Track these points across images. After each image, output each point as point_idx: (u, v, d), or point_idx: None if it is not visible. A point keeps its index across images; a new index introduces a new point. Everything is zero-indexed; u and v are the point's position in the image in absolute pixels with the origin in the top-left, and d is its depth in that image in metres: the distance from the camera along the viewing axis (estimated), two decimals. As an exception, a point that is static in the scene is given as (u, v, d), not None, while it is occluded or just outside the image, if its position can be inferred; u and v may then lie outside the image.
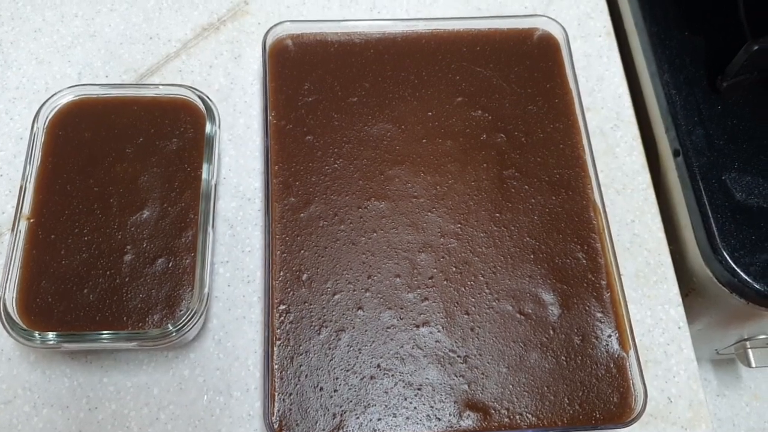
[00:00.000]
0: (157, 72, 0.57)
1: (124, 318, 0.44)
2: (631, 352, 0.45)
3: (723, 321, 0.54)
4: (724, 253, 0.48)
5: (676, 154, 0.53)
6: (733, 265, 0.48)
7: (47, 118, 0.49)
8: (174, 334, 0.43)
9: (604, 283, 0.47)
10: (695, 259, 0.51)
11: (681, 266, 0.53)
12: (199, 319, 0.44)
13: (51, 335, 0.42)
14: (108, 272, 0.45)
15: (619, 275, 0.47)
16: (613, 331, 0.46)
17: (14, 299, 0.43)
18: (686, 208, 0.52)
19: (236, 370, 0.47)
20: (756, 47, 0.50)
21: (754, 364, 0.59)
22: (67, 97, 0.49)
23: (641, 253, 0.52)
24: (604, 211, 0.49)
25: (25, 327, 0.42)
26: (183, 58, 0.58)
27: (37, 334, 0.42)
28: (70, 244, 0.45)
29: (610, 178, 0.55)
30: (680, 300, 0.51)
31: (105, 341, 0.43)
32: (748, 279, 0.48)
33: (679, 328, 0.50)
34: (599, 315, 0.46)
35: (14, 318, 0.42)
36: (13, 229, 0.45)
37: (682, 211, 0.52)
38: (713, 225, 0.49)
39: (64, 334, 0.43)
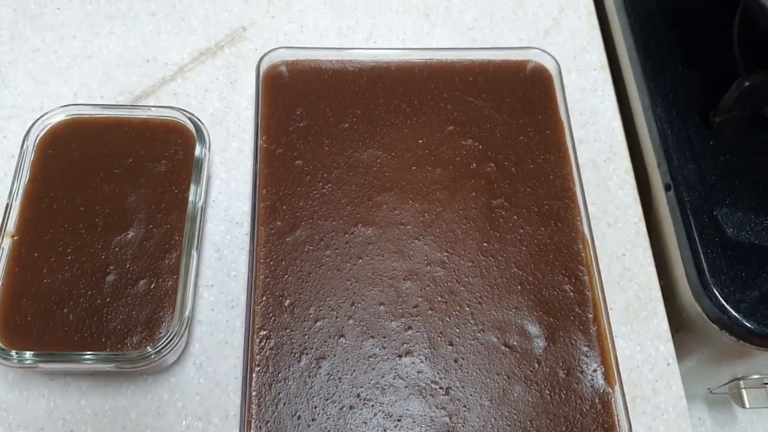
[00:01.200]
0: (152, 94, 0.57)
1: (103, 339, 0.43)
2: (617, 388, 0.44)
3: (714, 358, 0.53)
4: (714, 290, 0.48)
5: (667, 188, 0.53)
6: (723, 302, 0.47)
7: (38, 136, 0.49)
8: (153, 356, 0.43)
9: (591, 316, 0.46)
10: (685, 295, 0.50)
11: (671, 302, 0.52)
12: (178, 342, 0.44)
13: (28, 354, 0.42)
14: (89, 292, 0.44)
15: (607, 309, 0.46)
16: (598, 366, 0.45)
17: (-7, 317, 0.43)
18: (677, 243, 0.51)
19: (216, 396, 0.46)
20: (747, 83, 0.50)
21: (747, 405, 0.58)
22: (58, 117, 0.50)
23: (631, 287, 0.52)
24: (593, 244, 0.48)
25: (2, 346, 0.42)
26: (179, 81, 0.58)
27: (14, 353, 0.42)
28: (53, 263, 0.45)
29: (601, 211, 0.55)
30: (670, 336, 0.50)
31: (82, 362, 0.42)
32: (737, 316, 0.47)
33: (668, 364, 0.49)
34: (585, 349, 0.45)
35: (-8, 337, 0.42)
36: (-4, 247, 0.45)
37: (673, 245, 0.52)
38: (703, 261, 0.49)
39: (42, 354, 0.42)
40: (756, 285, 0.48)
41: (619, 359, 0.48)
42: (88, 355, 0.42)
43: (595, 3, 0.65)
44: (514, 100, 0.54)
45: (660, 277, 0.52)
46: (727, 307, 0.47)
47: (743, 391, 0.58)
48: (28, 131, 0.49)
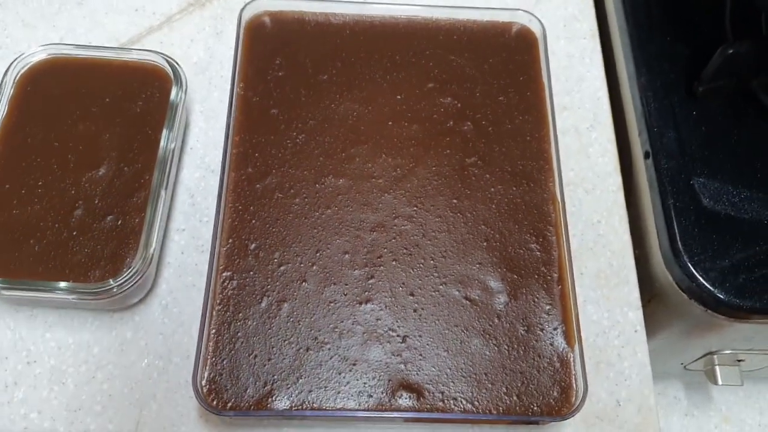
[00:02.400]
0: (137, 42, 0.58)
1: (67, 271, 0.44)
2: (576, 347, 0.44)
3: (685, 330, 0.52)
4: (685, 257, 0.47)
5: (646, 156, 0.52)
6: (693, 270, 0.47)
7: (18, 73, 0.49)
8: (114, 290, 0.43)
9: (555, 276, 0.46)
10: (657, 264, 0.50)
11: (644, 271, 0.51)
12: (141, 279, 0.44)
13: (-8, 281, 0.43)
14: (57, 225, 0.45)
15: (572, 270, 0.46)
16: (559, 324, 0.45)
17: (-41, 244, 0.44)
18: (652, 212, 0.51)
19: (179, 337, 0.47)
20: (731, 51, 0.49)
21: (720, 382, 0.58)
22: (39, 55, 0.50)
23: (604, 254, 0.51)
24: (563, 205, 0.48)
25: (-35, 272, 0.43)
26: (165, 31, 0.58)
27: (-23, 279, 0.43)
28: (23, 195, 0.46)
29: (580, 177, 0.54)
30: (639, 304, 0.50)
31: (45, 291, 0.43)
32: (706, 284, 0.46)
33: (636, 331, 0.49)
34: (547, 307, 0.45)
35: (-43, 262, 0.43)
36: (-32, 176, 0.45)
37: (649, 214, 0.51)
38: (676, 228, 0.48)
39: (6, 281, 0.43)
40: (727, 255, 0.47)
41: (585, 324, 0.48)
42: (51, 284, 0.43)
43: (590, -28, 0.64)
44: (497, 61, 0.54)
45: (635, 247, 0.52)
46: (697, 275, 0.47)
47: (716, 368, 0.58)
48: (8, 68, 0.49)
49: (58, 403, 0.45)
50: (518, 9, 0.55)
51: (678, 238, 0.48)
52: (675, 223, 0.48)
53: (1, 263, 0.44)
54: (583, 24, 0.61)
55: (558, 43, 0.60)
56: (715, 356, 0.57)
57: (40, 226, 0.45)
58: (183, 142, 0.53)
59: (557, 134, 0.51)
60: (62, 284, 0.43)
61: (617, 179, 0.54)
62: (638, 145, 0.53)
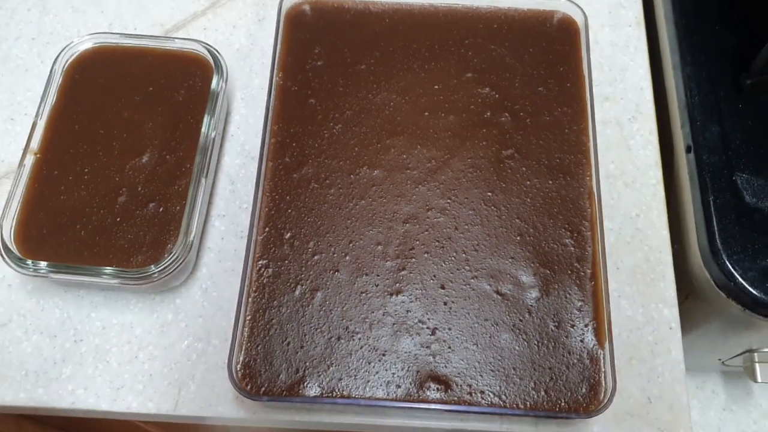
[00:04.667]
0: (182, 28, 0.59)
1: (111, 256, 0.45)
2: (607, 345, 0.44)
3: (722, 328, 0.52)
4: (723, 255, 0.46)
5: (688, 150, 0.51)
6: (731, 269, 0.46)
7: (66, 62, 0.51)
8: (156, 275, 0.45)
9: (589, 272, 0.46)
10: (695, 261, 0.49)
11: (682, 267, 0.51)
12: (181, 265, 0.45)
13: (42, 264, 0.45)
14: (101, 211, 0.47)
15: (605, 267, 0.46)
16: (590, 321, 0.44)
17: (12, 228, 0.46)
18: (692, 207, 0.50)
19: (218, 320, 0.48)
20: (781, 44, 0.47)
21: (759, 379, 0.57)
22: (86, 44, 0.51)
23: (641, 249, 0.51)
24: (599, 200, 0.48)
25: (19, 255, 0.45)
26: (209, 16, 0.59)
27: (29, 262, 0.45)
28: (70, 181, 0.47)
29: (620, 170, 0.53)
30: (676, 301, 0.49)
31: (90, 275, 0.45)
32: (745, 284, 0.46)
33: (671, 328, 0.49)
34: (579, 304, 0.45)
35: (9, 245, 0.45)
36: (20, 163, 0.47)
37: (689, 210, 0.50)
38: (715, 225, 0.47)
39: (54, 265, 0.45)
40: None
41: (619, 319, 0.48)
42: (95, 269, 0.45)
43: (639, -44, 0.62)
44: (537, 50, 0.53)
45: (673, 242, 0.51)
46: (735, 274, 0.46)
47: (756, 365, 0.57)
48: (57, 57, 0.51)
49: (101, 380, 0.47)
50: (560, -3, 0.54)
51: (717, 235, 0.47)
52: (714, 220, 0.48)
53: (49, 247, 0.45)
54: (628, 11, 0.60)
55: (602, 32, 0.58)
56: (755, 354, 0.56)
57: (86, 212, 0.47)
58: (224, 129, 0.54)
59: (596, 126, 0.50)
60: (106, 269, 0.45)
61: (658, 173, 0.53)
62: (680, 138, 0.52)
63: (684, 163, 0.51)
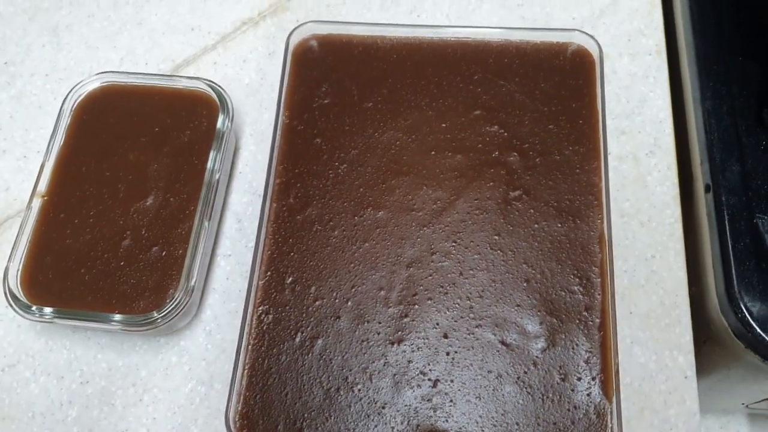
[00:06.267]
0: (192, 63, 0.59)
1: (114, 301, 0.46)
2: (614, 400, 0.42)
3: (743, 375, 0.50)
4: (741, 304, 0.44)
5: (707, 189, 0.49)
6: (749, 319, 0.44)
7: (75, 101, 0.51)
8: (159, 321, 0.45)
9: (598, 321, 0.44)
10: (713, 306, 0.47)
11: (700, 311, 0.49)
12: (182, 310, 0.45)
13: (47, 310, 0.45)
14: (106, 255, 0.47)
15: (614, 316, 0.44)
16: (598, 374, 0.43)
17: (18, 273, 0.46)
18: (710, 250, 0.48)
19: (221, 363, 0.48)
20: (805, 81, 0.45)
21: (785, 425, 0.54)
22: (94, 84, 0.52)
23: (656, 292, 0.49)
24: (611, 245, 0.46)
25: (26, 301, 0.45)
26: (219, 50, 0.59)
27: (35, 308, 0.45)
28: (76, 225, 0.48)
29: (635, 209, 0.52)
30: (692, 347, 0.47)
31: (93, 321, 0.45)
32: (763, 335, 0.44)
33: (686, 377, 0.47)
34: (587, 356, 0.43)
35: (16, 292, 0.45)
36: (27, 205, 0.48)
37: (707, 252, 0.48)
38: (733, 271, 0.45)
39: (58, 311, 0.45)
40: (790, 303, 0.44)
41: (630, 367, 0.46)
42: (98, 315, 0.45)
43: (661, -19, 0.60)
44: (549, 85, 0.51)
45: (691, 284, 0.49)
46: (753, 324, 0.44)
47: (782, 410, 0.55)
48: (66, 97, 0.51)
49: (107, 423, 0.47)
50: (575, 29, 0.52)
51: (735, 282, 0.45)
52: (732, 266, 0.46)
53: (54, 292, 0.46)
54: (648, 39, 0.58)
55: (620, 61, 0.57)
56: (781, 399, 0.54)
57: (91, 256, 0.47)
58: (232, 165, 0.54)
59: (609, 163, 0.48)
60: (108, 316, 0.45)
61: (676, 210, 0.51)
62: (700, 176, 0.50)
63: (703, 202, 0.49)
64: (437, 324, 0.44)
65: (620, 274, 0.49)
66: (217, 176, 0.49)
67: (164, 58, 0.59)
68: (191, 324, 0.49)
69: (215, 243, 0.51)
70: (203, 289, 0.50)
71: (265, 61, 0.58)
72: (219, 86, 0.51)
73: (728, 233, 0.46)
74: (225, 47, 0.59)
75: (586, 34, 0.52)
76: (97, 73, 0.52)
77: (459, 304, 0.45)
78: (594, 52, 0.52)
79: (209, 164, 0.48)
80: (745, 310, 0.44)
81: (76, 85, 0.52)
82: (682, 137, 0.54)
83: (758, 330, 0.44)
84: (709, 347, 0.49)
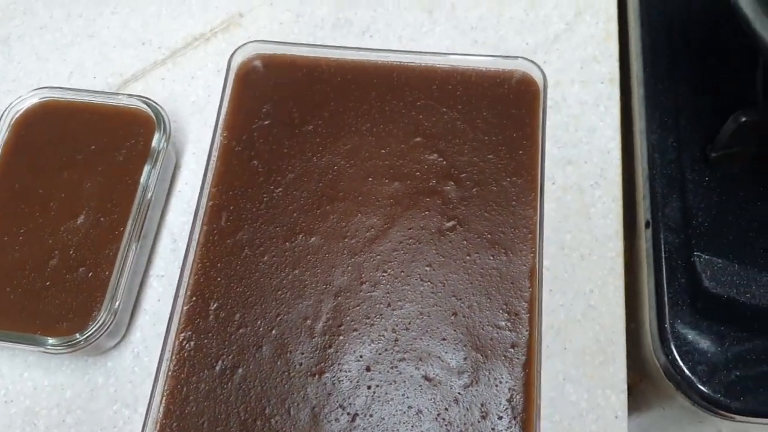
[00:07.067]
0: (141, 78, 0.58)
1: (37, 322, 0.45)
2: (534, 440, 0.41)
3: (676, 416, 0.49)
4: (672, 345, 0.44)
5: (647, 225, 0.48)
6: (680, 361, 0.43)
7: (13, 118, 0.51)
8: (81, 343, 0.44)
9: (523, 359, 0.43)
10: (647, 345, 0.46)
11: (636, 349, 0.48)
12: (105, 332, 0.45)
13: (-31, 329, 0.44)
14: (32, 274, 0.46)
15: (540, 354, 0.43)
16: (520, 414, 0.42)
17: (-58, 290, 0.46)
18: (647, 287, 0.47)
19: (147, 386, 0.47)
20: (743, 119, 0.44)
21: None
22: (33, 99, 0.51)
23: (593, 328, 0.48)
24: (541, 281, 0.45)
25: (-54, 317, 0.45)
26: (169, 66, 0.59)
27: (-46, 326, 0.44)
28: (5, 242, 0.47)
29: (577, 241, 0.51)
30: (625, 387, 0.46)
31: (15, 341, 0.44)
32: (693, 379, 0.43)
33: (617, 417, 0.46)
34: (510, 394, 0.43)
35: (-62, 309, 0.45)
36: (-44, 222, 0.47)
37: (645, 289, 0.47)
38: (666, 310, 0.44)
39: (-20, 331, 0.45)
40: (722, 346, 0.43)
41: (561, 405, 0.46)
42: (21, 336, 0.44)
43: (619, 9, 0.59)
44: (492, 114, 0.51)
45: (630, 320, 0.48)
46: (683, 367, 0.43)
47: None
48: (4, 112, 0.51)
49: (28, 444, 0.46)
50: (519, 57, 0.52)
51: (667, 321, 0.44)
52: (666, 305, 0.45)
53: (-21, 310, 0.45)
54: (602, 67, 0.57)
55: (571, 88, 0.56)
56: (721, 438, 0.53)
57: (17, 275, 0.46)
58: (172, 184, 0.53)
59: (544, 199, 0.48)
60: (31, 336, 0.44)
61: (618, 244, 0.50)
62: (642, 210, 0.49)
63: (643, 238, 0.48)
64: (361, 356, 0.44)
65: (557, 308, 0.48)
66: (149, 196, 0.48)
67: (113, 72, 0.58)
68: (120, 345, 0.49)
69: (149, 263, 0.51)
70: (133, 310, 0.49)
71: (213, 79, 0.58)
72: (156, 104, 0.50)
73: (664, 271, 0.45)
74: (174, 63, 0.59)
75: (531, 61, 0.51)
76: (36, 89, 0.52)
77: (384, 336, 0.44)
78: (539, 80, 0.51)
79: (141, 183, 0.48)
80: (675, 352, 0.43)
81: (15, 101, 0.51)
82: (630, 169, 0.53)
83: (687, 373, 0.43)
84: (645, 386, 0.48)
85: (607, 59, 0.57)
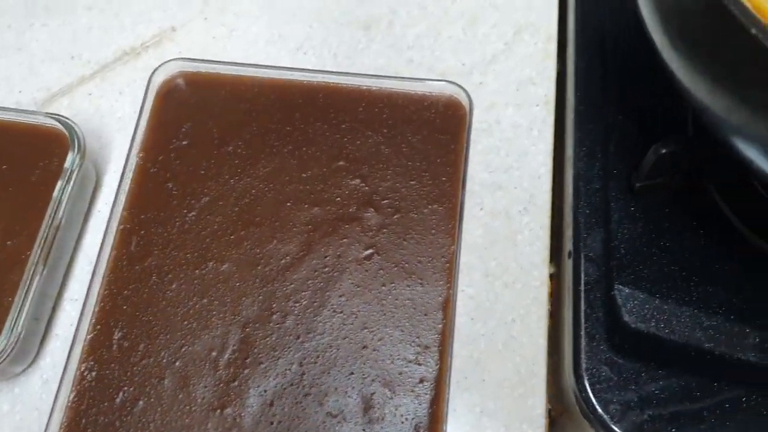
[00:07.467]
0: (68, 93, 0.57)
1: (-66, 349, 0.44)
2: (438, 482, 0.40)
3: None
4: (585, 381, 0.42)
5: (569, 255, 0.47)
6: (592, 398, 0.42)
7: (-74, 134, 0.49)
8: (-21, 371, 0.43)
9: (432, 394, 0.42)
10: (566, 378, 0.45)
11: (557, 382, 0.47)
12: (6, 358, 0.43)
13: None
14: (-66, 300, 0.45)
15: (448, 391, 0.42)
16: (424, 453, 0.41)
17: None
18: (566, 319, 0.46)
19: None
20: (663, 151, 0.43)
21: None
22: (-54, 115, 0.50)
23: (513, 360, 0.47)
24: (454, 313, 0.44)
25: None
26: (97, 81, 0.57)
27: None
28: None
29: (502, 268, 0.49)
30: (543, 421, 0.45)
31: None
32: (605, 417, 0.41)
33: (533, 454, 0.45)
34: (416, 431, 0.41)
35: None
36: None
37: (564, 321, 0.46)
38: (582, 344, 0.43)
39: None
40: (637, 384, 0.42)
41: (475, 440, 0.44)
42: None
43: (559, 29, 0.58)
44: (418, 139, 0.49)
45: (552, 353, 0.47)
46: (596, 405, 0.42)
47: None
48: None
49: (-74, 474, 0.45)
50: (444, 80, 0.50)
51: (583, 357, 0.43)
52: (582, 339, 0.43)
53: None
54: (538, 89, 0.55)
55: (505, 111, 0.54)
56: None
57: None
58: (91, 204, 0.52)
59: (462, 229, 0.46)
60: (-77, 364, 0.43)
61: (543, 272, 0.49)
62: (565, 240, 0.48)
63: (566, 268, 0.47)
64: (265, 391, 0.42)
65: (477, 338, 0.47)
66: (60, 217, 0.47)
67: (40, 87, 0.57)
68: (28, 371, 0.47)
69: (63, 286, 0.49)
70: (44, 335, 0.48)
71: (140, 95, 0.56)
72: (71, 122, 0.49)
73: (582, 304, 0.44)
74: (103, 78, 0.57)
75: (458, 85, 0.50)
76: (-51, 105, 0.50)
77: (291, 370, 0.43)
78: (466, 104, 0.50)
79: (51, 206, 0.46)
80: (589, 389, 0.42)
81: (-71, 116, 0.50)
82: (560, 196, 0.52)
83: (600, 411, 0.41)
84: (565, 420, 0.47)
85: (543, 81, 0.56)
